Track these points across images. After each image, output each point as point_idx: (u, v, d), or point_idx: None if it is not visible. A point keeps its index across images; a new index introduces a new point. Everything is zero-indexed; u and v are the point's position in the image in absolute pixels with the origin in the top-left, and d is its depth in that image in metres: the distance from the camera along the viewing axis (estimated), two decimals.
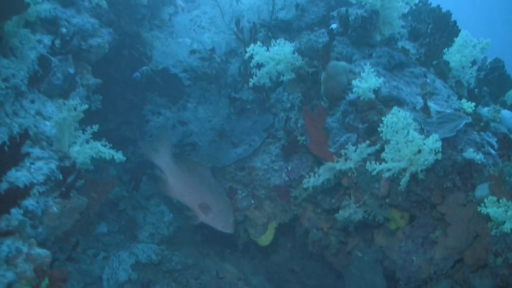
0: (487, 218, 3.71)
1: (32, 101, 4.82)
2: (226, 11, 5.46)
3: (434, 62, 5.08)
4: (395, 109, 3.84)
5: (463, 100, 4.55)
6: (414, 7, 5.64)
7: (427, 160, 3.71)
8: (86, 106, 4.60)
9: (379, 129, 3.91)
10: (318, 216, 5.34)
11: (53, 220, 4.43)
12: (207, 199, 4.83)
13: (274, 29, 5.38)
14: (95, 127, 4.68)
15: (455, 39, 5.10)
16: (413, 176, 3.97)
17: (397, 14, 4.95)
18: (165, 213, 6.51)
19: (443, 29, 5.25)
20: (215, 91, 5.62)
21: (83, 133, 4.79)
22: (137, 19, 6.04)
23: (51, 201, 4.42)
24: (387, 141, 3.88)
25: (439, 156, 3.77)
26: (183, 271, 6.15)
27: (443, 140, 3.99)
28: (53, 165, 4.53)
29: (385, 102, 4.24)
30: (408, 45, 5.30)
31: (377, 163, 3.95)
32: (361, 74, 4.25)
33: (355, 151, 4.25)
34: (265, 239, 5.77)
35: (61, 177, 4.44)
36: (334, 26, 5.07)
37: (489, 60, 5.78)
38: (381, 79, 4.22)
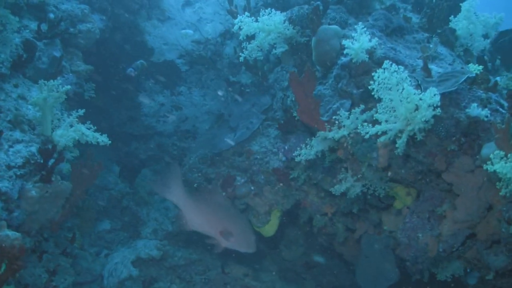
0: (498, 180, 3.08)
1: (16, 85, 4.46)
2: None
3: (439, 30, 4.48)
4: (386, 63, 3.26)
5: (470, 65, 3.94)
6: None
7: (424, 116, 3.13)
8: (68, 87, 4.20)
9: (370, 87, 3.32)
10: (322, 200, 4.76)
11: (32, 205, 4.01)
12: (226, 224, 4.59)
13: (271, 6, 4.87)
14: (81, 111, 4.22)
15: (461, 4, 4.49)
16: (412, 139, 3.35)
17: None
18: (169, 209, 6.03)
19: None
20: (212, 75, 5.12)
21: (68, 117, 4.32)
22: (133, 8, 5.60)
23: (29, 184, 4.01)
24: (380, 100, 3.29)
25: (438, 111, 3.19)
26: (187, 267, 5.63)
27: (444, 96, 3.43)
28: (33, 148, 4.15)
29: (381, 64, 3.66)
30: (411, 16, 4.73)
31: (371, 126, 3.33)
32: (353, 35, 3.68)
33: (348, 117, 3.68)
34: (269, 229, 5.21)
35: (41, 161, 3.98)
36: None
37: None
38: (376, 40, 3.66)
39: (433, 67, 3.87)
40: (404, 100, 3.31)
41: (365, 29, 3.78)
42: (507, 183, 2.95)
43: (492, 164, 2.99)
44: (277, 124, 4.84)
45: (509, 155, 2.96)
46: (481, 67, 3.84)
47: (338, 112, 3.78)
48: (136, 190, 6.02)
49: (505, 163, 2.91)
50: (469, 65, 4.00)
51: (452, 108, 3.46)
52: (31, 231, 4.21)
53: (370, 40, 3.73)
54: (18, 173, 3.99)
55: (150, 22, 5.70)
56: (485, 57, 4.87)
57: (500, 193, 2.99)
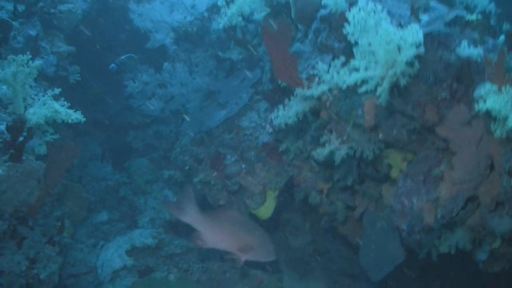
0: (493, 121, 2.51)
1: None
2: None
3: None
4: (362, 1, 2.73)
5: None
6: None
7: (406, 56, 2.60)
8: (40, 62, 3.81)
9: (344, 30, 2.79)
10: (316, 175, 4.24)
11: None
12: (244, 239, 4.35)
13: None
14: (57, 90, 3.81)
15: None
16: (397, 87, 2.81)
17: None
18: (168, 198, 5.54)
19: None
20: (200, 52, 4.64)
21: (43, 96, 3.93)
22: None
23: None
24: (356, 44, 2.76)
25: (421, 50, 2.62)
26: (184, 256, 5.13)
27: (432, 38, 2.90)
28: (2, 126, 3.70)
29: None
30: None
31: (348, 74, 2.80)
32: None
33: (328, 71, 3.14)
34: (265, 211, 4.69)
35: (10, 138, 3.61)
36: None
37: None
38: None
39: (423, 17, 3.31)
40: (384, 41, 2.76)
41: None
42: (502, 121, 2.37)
43: (484, 101, 2.41)
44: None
45: (503, 88, 2.38)
46: (479, 15, 3.27)
47: (316, 66, 3.24)
48: (133, 179, 5.56)
49: (498, 97, 2.33)
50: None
51: (441, 50, 2.91)
52: (3, 214, 3.81)
53: None
54: None
55: (137, 3, 5.27)
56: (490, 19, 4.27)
57: (495, 135, 2.41)
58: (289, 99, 3.82)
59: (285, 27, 3.35)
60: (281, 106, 3.54)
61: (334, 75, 3.20)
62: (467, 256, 4.14)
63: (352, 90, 3.15)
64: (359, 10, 2.87)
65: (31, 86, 3.90)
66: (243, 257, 4.31)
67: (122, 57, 5.20)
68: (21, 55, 3.80)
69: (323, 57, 3.40)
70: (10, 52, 4.27)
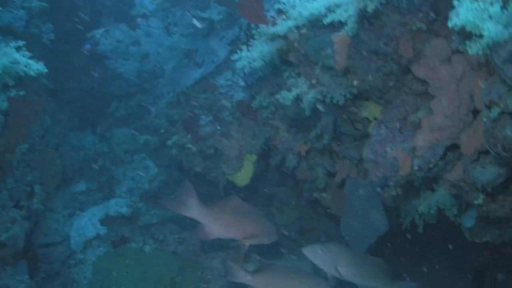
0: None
1: None
2: None
3: None
4: None
5: None
6: None
7: None
8: None
9: None
10: (294, 136, 3.81)
11: None
12: (247, 225, 4.24)
13: None
14: (21, 43, 3.47)
15: None
16: (366, 19, 2.39)
17: None
18: (149, 168, 5.15)
19: None
20: (179, 11, 4.25)
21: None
22: None
23: None
24: None
25: None
26: (161, 226, 4.73)
27: None
28: None
29: None
30: None
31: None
32: None
33: (294, 5, 2.72)
34: (242, 177, 4.29)
35: None
36: None
37: None
38: None
39: None
40: None
41: None
42: (478, 35, 1.93)
43: (458, 15, 1.98)
44: None
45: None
46: None
47: (282, 0, 2.83)
48: (112, 149, 5.18)
49: (472, 4, 1.90)
50: None
51: None
52: None
53: None
54: None
55: None
56: None
57: (470, 52, 1.97)
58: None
59: None
60: (244, 47, 3.13)
61: (303, 12, 2.78)
62: (454, 227, 3.72)
63: (320, 26, 2.72)
64: None
65: None
66: (247, 243, 4.18)
67: (98, 33, 4.84)
68: None
69: None
70: None
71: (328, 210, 4.57)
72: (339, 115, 3.46)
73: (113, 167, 5.25)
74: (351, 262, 3.80)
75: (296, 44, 2.96)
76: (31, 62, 3.60)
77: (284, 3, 2.89)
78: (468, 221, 3.53)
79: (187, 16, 4.38)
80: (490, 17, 1.85)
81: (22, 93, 3.86)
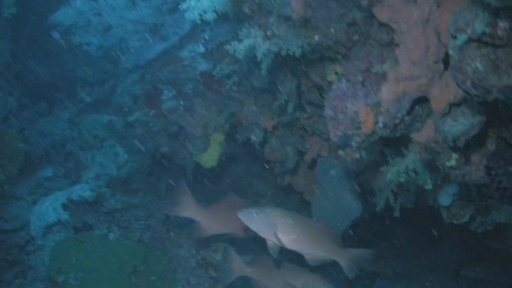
0: None
1: None
2: None
3: None
4: None
5: None
6: None
7: None
8: None
9: None
10: (260, 110, 3.40)
11: None
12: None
13: None
14: None
15: None
16: None
17: None
18: (119, 155, 4.74)
19: None
20: None
21: None
22: None
23: None
24: None
25: None
26: (126, 212, 4.31)
27: None
28: None
29: None
30: None
31: None
32: None
33: None
34: (209, 158, 3.88)
35: None
36: None
37: None
38: None
39: None
40: None
41: None
42: None
43: None
44: None
45: None
46: None
47: None
48: (81, 134, 4.78)
49: None
50: None
51: None
52: None
53: None
54: None
55: None
56: None
57: None
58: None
59: None
60: None
61: None
62: (432, 210, 3.32)
63: None
64: None
65: None
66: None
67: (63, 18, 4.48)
68: None
69: None
70: None
71: (301, 196, 4.16)
72: (303, 81, 3.06)
73: (81, 152, 4.84)
74: (292, 227, 3.19)
75: None
76: None
77: None
78: (445, 199, 3.14)
79: None
80: None
81: None
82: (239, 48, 2.57)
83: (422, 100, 2.37)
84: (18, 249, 4.27)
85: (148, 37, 3.89)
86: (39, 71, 4.90)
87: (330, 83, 2.92)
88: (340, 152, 2.56)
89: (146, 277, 4.28)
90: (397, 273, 4.59)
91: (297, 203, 4.63)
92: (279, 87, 3.10)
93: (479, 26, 1.73)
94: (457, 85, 1.91)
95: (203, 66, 3.53)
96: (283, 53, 2.57)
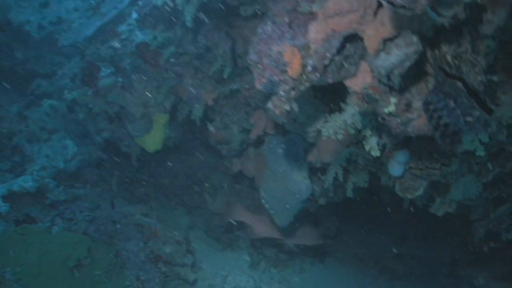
0: None
1: None
2: None
3: None
4: None
5: None
6: None
7: None
8: None
9: None
10: (201, 83, 3.02)
11: None
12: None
13: None
14: None
15: None
16: None
17: None
18: (69, 147, 4.33)
19: None
20: None
21: None
22: None
23: None
24: None
25: None
26: (70, 204, 3.88)
27: None
28: None
29: None
30: None
31: None
32: None
33: None
34: (152, 140, 3.48)
35: None
36: None
37: None
38: None
39: None
40: None
41: None
42: None
43: None
44: None
45: None
46: None
47: None
48: (28, 126, 4.37)
49: None
50: None
51: None
52: None
53: None
54: None
55: None
56: None
57: None
58: None
59: None
60: None
61: None
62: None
63: None
64: None
65: None
66: (290, 242, 4.26)
67: None
68: None
69: None
70: None
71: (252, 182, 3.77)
72: (240, 42, 2.70)
73: (28, 145, 4.41)
74: None
75: None
76: None
77: None
78: (396, 168, 2.78)
79: None
80: None
81: None
82: None
83: (354, 38, 2.02)
84: None
85: (88, 14, 3.51)
86: None
87: None
88: (268, 104, 2.18)
89: (90, 271, 3.85)
90: None
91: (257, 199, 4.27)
92: (213, 50, 2.73)
93: None
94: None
95: (139, 38, 3.16)
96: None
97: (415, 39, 1.81)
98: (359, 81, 2.13)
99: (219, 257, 4.66)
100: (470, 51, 1.78)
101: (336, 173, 3.01)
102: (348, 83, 2.15)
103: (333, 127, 2.24)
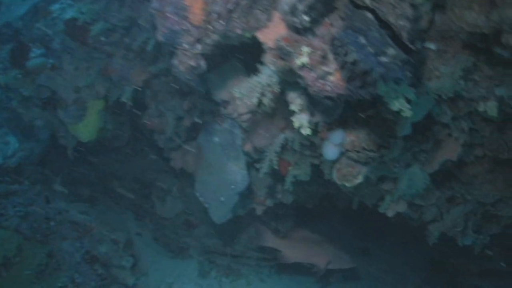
0: None
1: None
2: None
3: None
4: None
5: None
6: None
7: None
8: None
9: None
10: (130, 63, 2.71)
11: None
12: (319, 251, 4.17)
13: None
14: None
15: None
16: None
17: None
18: (10, 143, 3.98)
19: None
20: None
21: None
22: None
23: None
24: None
25: None
26: (2, 198, 3.49)
27: None
28: None
29: None
30: None
31: None
32: None
33: None
34: (85, 129, 3.15)
35: None
36: None
37: None
38: None
39: None
40: None
41: None
42: None
43: None
44: None
45: None
46: None
47: None
48: None
49: None
50: None
51: None
52: None
53: None
54: None
55: None
56: None
57: None
58: None
59: None
60: None
61: None
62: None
63: None
64: None
65: None
66: (324, 267, 4.14)
67: None
68: None
69: None
70: None
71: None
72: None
73: None
74: None
75: None
76: None
77: None
78: (330, 151, 2.45)
79: None
80: None
81: None
82: None
83: None
84: None
85: None
86: None
87: None
88: (173, 60, 1.86)
89: (19, 271, 3.44)
90: None
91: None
92: (138, 21, 2.42)
93: None
94: None
95: (69, 14, 2.86)
96: None
97: None
98: (272, 32, 1.81)
99: (167, 264, 4.27)
100: None
101: (270, 160, 2.67)
102: (260, 35, 1.84)
103: (247, 88, 1.91)
